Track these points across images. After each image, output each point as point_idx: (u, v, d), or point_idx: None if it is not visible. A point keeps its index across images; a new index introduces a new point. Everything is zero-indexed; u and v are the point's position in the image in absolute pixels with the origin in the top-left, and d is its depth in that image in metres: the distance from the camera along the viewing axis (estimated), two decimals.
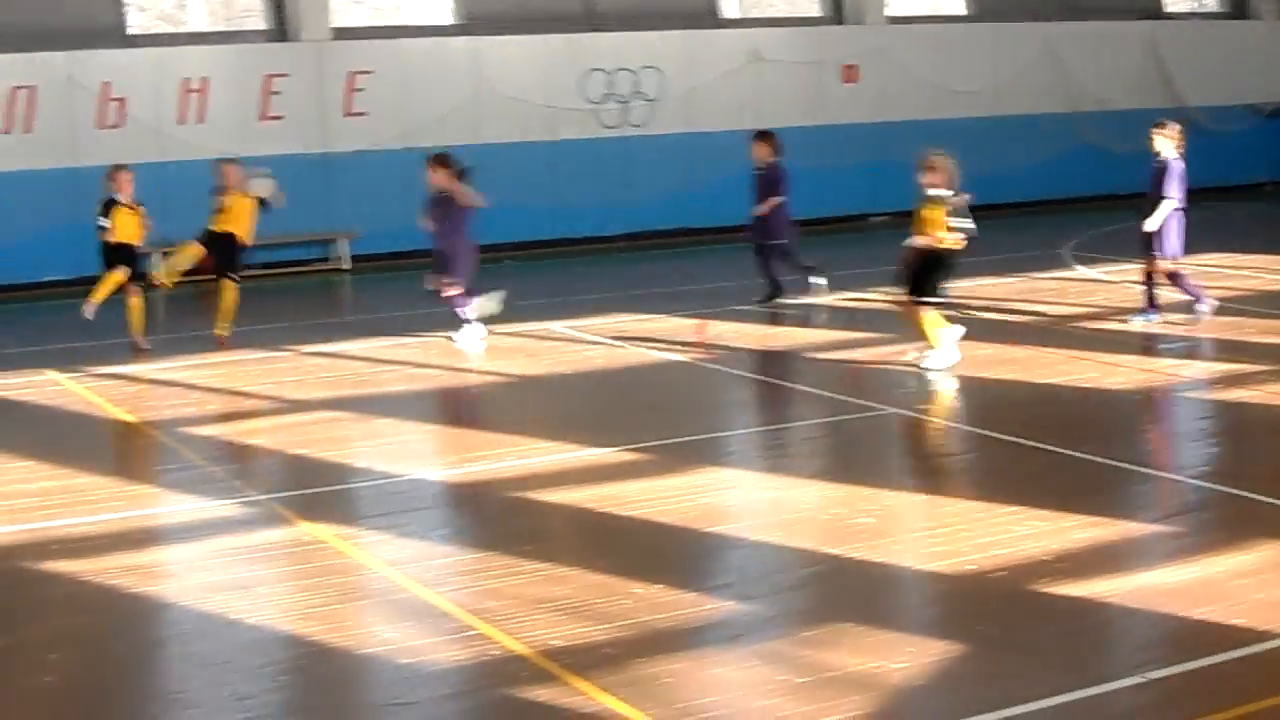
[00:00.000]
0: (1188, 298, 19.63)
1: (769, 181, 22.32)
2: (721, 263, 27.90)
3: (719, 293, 23.17)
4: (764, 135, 22.84)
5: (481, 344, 19.86)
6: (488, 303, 20.24)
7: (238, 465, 14.50)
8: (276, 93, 28.16)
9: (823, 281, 22.64)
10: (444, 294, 19.98)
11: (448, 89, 29.41)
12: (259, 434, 15.73)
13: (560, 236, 30.21)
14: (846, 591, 10.56)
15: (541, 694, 8.73)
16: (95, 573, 11.21)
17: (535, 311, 22.07)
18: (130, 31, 27.96)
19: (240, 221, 20.37)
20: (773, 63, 32.05)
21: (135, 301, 20.20)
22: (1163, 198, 19.18)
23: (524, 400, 17.29)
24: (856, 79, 33.05)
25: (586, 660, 9.17)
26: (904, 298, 17.45)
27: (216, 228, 20.38)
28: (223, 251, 20.40)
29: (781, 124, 31.49)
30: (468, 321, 20.01)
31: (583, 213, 30.28)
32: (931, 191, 17.11)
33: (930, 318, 17.28)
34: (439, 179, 19.86)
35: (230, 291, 20.31)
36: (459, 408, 17.11)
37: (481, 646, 9.49)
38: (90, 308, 19.85)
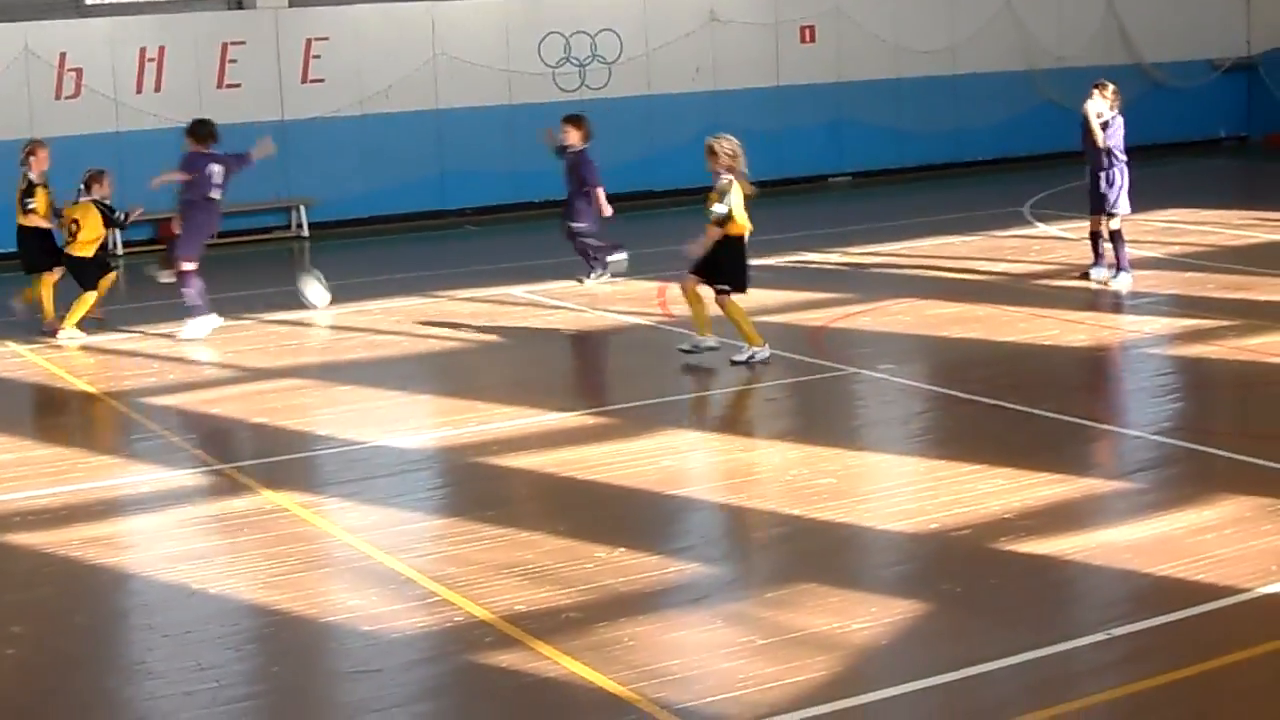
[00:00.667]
0: (1113, 260, 19.65)
1: (576, 166, 21.82)
2: (679, 226, 27.82)
3: (678, 256, 23.13)
4: (573, 119, 22.25)
5: (207, 331, 18.87)
6: (206, 322, 19.02)
7: (199, 435, 14.46)
8: (233, 61, 28.02)
9: (613, 266, 21.89)
10: (176, 270, 18.91)
11: (405, 55, 29.29)
12: (220, 403, 15.68)
13: (519, 201, 30.13)
14: (809, 552, 10.58)
15: (505, 659, 8.74)
16: (57, 545, 11.18)
17: (495, 276, 22.05)
18: (87, 1, 27.78)
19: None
20: (729, 24, 31.99)
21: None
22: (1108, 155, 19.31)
23: (485, 365, 17.26)
24: (814, 39, 32.99)
25: (550, 625, 9.18)
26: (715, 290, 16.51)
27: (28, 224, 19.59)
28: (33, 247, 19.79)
29: (739, 85, 31.66)
30: (193, 309, 18.93)
31: (541, 177, 30.03)
32: (722, 178, 16.48)
33: (732, 306, 16.40)
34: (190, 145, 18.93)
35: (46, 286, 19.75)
36: (420, 374, 17.07)
37: (445, 613, 9.49)
38: (71, 328, 19.50)
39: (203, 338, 18.75)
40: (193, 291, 18.88)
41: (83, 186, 19.30)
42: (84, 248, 19.18)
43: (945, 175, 33.60)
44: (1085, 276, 19.87)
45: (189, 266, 18.84)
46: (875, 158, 33.33)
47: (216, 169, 18.88)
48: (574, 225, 21.68)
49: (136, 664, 9.19)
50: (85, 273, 19.27)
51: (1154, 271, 20.49)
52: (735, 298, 16.41)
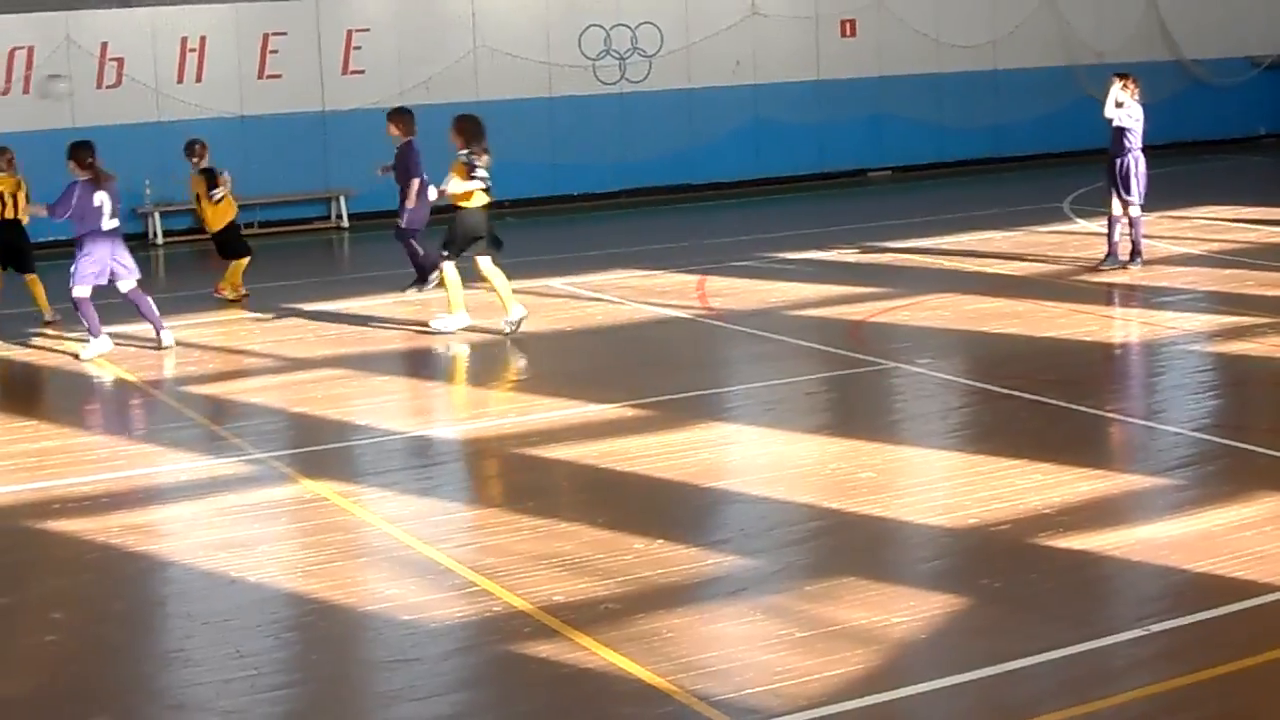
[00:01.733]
0: (1129, 246, 20.19)
1: (400, 160, 21.02)
2: (720, 219, 27.89)
3: (718, 248, 23.16)
4: (393, 114, 21.42)
5: (96, 353, 17.60)
6: (100, 344, 17.62)
7: (238, 424, 14.49)
8: (274, 51, 28.10)
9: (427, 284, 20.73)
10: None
11: (445, 46, 29.35)
12: (259, 392, 15.72)
13: (559, 193, 30.16)
14: (848, 546, 10.57)
15: (543, 650, 8.75)
16: (96, 532, 11.22)
17: (534, 268, 22.01)
18: None
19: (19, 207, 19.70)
20: (770, 17, 31.96)
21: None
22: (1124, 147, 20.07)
23: (524, 357, 17.27)
24: (854, 33, 32.95)
25: (588, 616, 9.18)
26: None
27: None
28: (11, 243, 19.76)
29: (780, 79, 31.62)
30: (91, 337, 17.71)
31: (581, 169, 30.24)
32: (460, 153, 17.61)
33: (450, 279, 17.87)
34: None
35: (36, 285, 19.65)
36: (459, 365, 17.11)
37: (483, 603, 9.50)
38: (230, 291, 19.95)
39: (92, 357, 17.58)
40: (89, 317, 17.59)
41: (195, 160, 19.79)
42: (219, 219, 19.67)
43: (985, 170, 33.53)
44: (1096, 270, 20.10)
45: (79, 294, 17.45)
46: (915, 152, 33.29)
47: (103, 197, 17.49)
48: (399, 225, 21.02)
49: (175, 651, 9.21)
50: (226, 244, 20.12)
51: (1193, 268, 20.47)
52: (449, 266, 17.82)
